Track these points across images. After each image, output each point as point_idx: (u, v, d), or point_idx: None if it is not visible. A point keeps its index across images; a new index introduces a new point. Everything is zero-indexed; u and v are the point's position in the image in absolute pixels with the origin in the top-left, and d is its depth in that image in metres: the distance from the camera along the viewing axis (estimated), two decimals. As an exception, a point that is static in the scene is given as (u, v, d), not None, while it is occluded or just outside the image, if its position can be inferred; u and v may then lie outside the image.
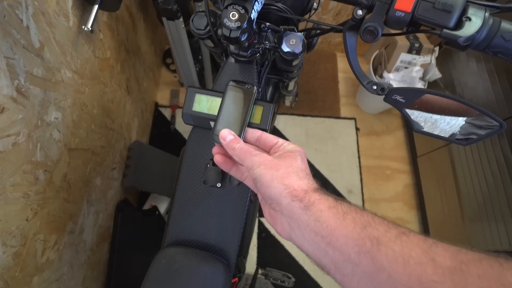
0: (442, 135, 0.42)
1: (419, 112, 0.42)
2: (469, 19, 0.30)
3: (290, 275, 1.05)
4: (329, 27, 0.44)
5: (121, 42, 0.91)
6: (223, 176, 0.45)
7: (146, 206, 1.19)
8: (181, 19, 0.89)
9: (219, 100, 0.45)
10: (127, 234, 1.00)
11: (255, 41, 0.44)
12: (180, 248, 0.44)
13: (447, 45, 0.33)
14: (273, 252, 1.25)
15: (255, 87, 0.40)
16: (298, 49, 0.43)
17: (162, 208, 1.17)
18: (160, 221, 1.13)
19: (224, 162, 0.37)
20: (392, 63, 1.26)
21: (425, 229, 1.33)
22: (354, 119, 1.51)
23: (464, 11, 0.31)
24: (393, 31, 0.38)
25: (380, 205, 1.39)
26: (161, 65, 1.44)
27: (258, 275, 1.07)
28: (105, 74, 0.82)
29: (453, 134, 0.41)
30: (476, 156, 1.10)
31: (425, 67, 1.27)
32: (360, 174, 1.41)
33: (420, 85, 1.25)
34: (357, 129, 1.49)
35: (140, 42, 1.08)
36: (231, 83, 0.40)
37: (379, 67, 1.32)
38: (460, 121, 0.41)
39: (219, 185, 0.45)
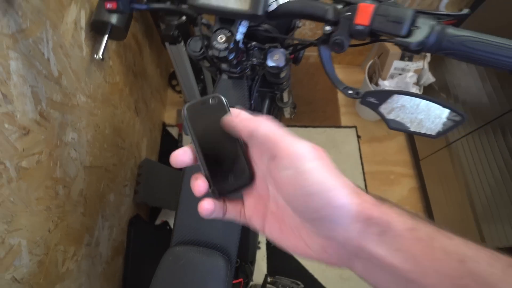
0: (425, 132, 0.47)
1: (404, 114, 0.47)
2: (418, 27, 0.36)
3: (299, 282, 1.06)
4: (307, 42, 0.50)
5: (129, 67, 0.99)
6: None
7: (158, 221, 1.24)
8: (182, 43, 0.97)
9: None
10: (140, 248, 1.05)
11: (243, 59, 0.50)
12: (185, 246, 0.49)
13: (404, 50, 0.38)
14: (282, 261, 1.27)
15: (220, 97, 0.27)
16: (281, 63, 0.49)
17: (173, 222, 1.21)
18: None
19: (214, 209, 0.26)
20: (387, 71, 1.31)
21: (433, 232, 1.33)
22: (355, 127, 1.55)
23: (414, 21, 0.36)
24: (358, 42, 0.43)
25: (386, 210, 1.40)
26: (167, 87, 1.53)
27: (268, 284, 1.09)
28: (115, 97, 0.90)
29: (428, 129, 0.46)
30: (480, 153, 1.11)
31: (419, 72, 1.32)
32: (365, 180, 1.44)
33: (414, 89, 1.29)
34: (358, 136, 1.53)
35: (147, 66, 1.17)
36: (186, 107, 0.27)
37: (374, 75, 1.38)
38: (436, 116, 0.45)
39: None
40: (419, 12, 0.37)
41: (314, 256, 0.24)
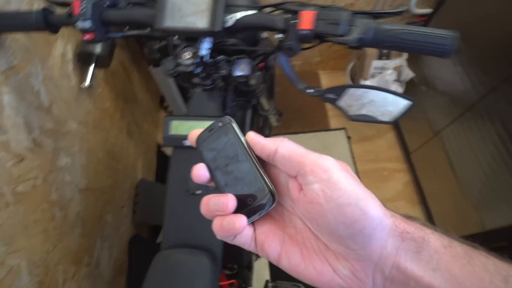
0: (381, 119, 0.51)
1: (362, 104, 0.51)
2: (356, 26, 0.40)
3: (299, 284, 1.07)
4: (269, 51, 0.55)
5: (118, 92, 1.04)
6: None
7: (159, 239, 1.26)
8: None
9: (191, 122, 0.55)
10: (142, 267, 1.07)
11: (212, 71, 0.55)
12: (173, 249, 0.52)
13: (349, 48, 0.43)
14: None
15: (227, 118, 0.27)
16: (247, 71, 0.54)
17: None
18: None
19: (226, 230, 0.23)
20: (367, 71, 1.36)
21: (431, 222, 1.34)
22: (344, 128, 1.59)
23: (351, 22, 0.40)
24: (308, 45, 0.47)
25: (384, 207, 1.42)
26: (159, 109, 1.58)
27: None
28: (106, 122, 0.94)
29: (384, 116, 0.50)
30: (468, 138, 1.14)
31: (398, 70, 1.37)
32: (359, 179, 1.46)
33: (394, 86, 1.34)
34: (348, 137, 1.57)
35: (136, 91, 1.22)
36: (201, 136, 0.27)
37: (356, 77, 1.43)
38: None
39: (199, 191, 0.54)
40: (356, 13, 0.41)
41: (342, 284, 0.21)
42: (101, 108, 0.91)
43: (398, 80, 1.38)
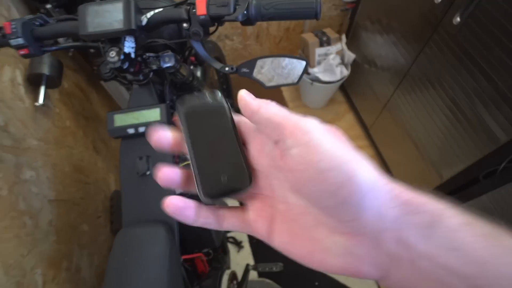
0: (288, 81, 0.59)
1: (273, 72, 0.60)
2: (239, 5, 0.49)
3: (278, 263, 1.14)
4: (182, 40, 0.64)
5: (78, 112, 1.10)
6: (149, 165, 0.61)
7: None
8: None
9: (131, 113, 0.62)
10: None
11: (142, 67, 0.62)
12: (130, 226, 0.58)
13: (242, 24, 0.51)
14: (268, 256, 1.34)
15: (216, 92, 0.27)
16: (172, 62, 0.62)
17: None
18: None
19: (182, 205, 0.23)
20: (313, 59, 1.47)
21: (397, 188, 1.43)
22: (305, 116, 1.68)
23: (237, 1, 0.49)
24: (213, 28, 0.56)
25: (351, 181, 1.51)
26: (128, 126, 1.64)
27: (252, 272, 1.16)
28: (69, 139, 1.00)
29: (291, 78, 0.58)
30: (411, 102, 1.25)
31: (340, 54, 1.49)
32: (325, 160, 1.55)
33: (339, 69, 1.45)
34: (309, 123, 1.66)
35: (97, 110, 1.29)
36: (186, 102, 0.26)
37: (304, 66, 1.53)
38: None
39: (148, 172, 0.61)
40: (238, -5, 0.50)
41: (335, 263, 0.19)
42: (61, 127, 0.97)
43: (342, 63, 1.50)
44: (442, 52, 0.99)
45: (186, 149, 0.25)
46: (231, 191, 0.23)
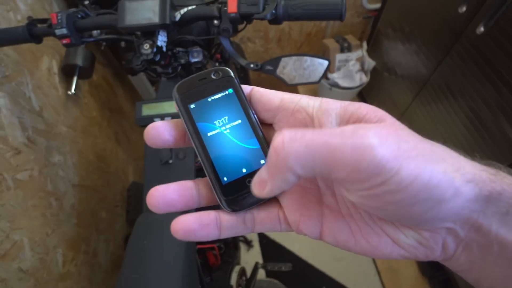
0: (310, 80, 0.61)
1: (296, 71, 0.62)
2: (269, 4, 0.51)
3: (286, 263, 1.14)
4: (212, 36, 0.66)
5: (104, 104, 1.15)
6: (171, 154, 0.64)
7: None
8: (142, 73, 1.15)
9: (158, 104, 0.66)
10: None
11: (172, 61, 0.66)
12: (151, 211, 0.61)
13: (270, 23, 0.54)
14: (277, 255, 1.34)
15: (227, 70, 0.22)
16: (200, 58, 0.65)
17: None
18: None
19: (193, 227, 0.21)
20: (333, 65, 1.49)
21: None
22: (321, 121, 1.69)
23: (266, 1, 0.52)
24: (241, 26, 0.58)
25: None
26: (148, 122, 1.69)
27: (260, 271, 1.17)
28: (94, 128, 1.05)
29: (313, 77, 0.60)
30: (430, 111, 1.25)
31: (361, 60, 1.49)
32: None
33: (358, 75, 1.45)
34: (325, 129, 1.67)
35: (122, 103, 1.34)
36: (177, 86, 0.22)
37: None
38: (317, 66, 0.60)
39: (171, 161, 0.64)
40: (267, -4, 0.53)
41: (404, 253, 0.18)
42: (89, 116, 1.02)
43: (362, 69, 1.51)
44: (464, 62, 0.99)
45: (194, 148, 0.21)
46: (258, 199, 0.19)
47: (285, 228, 0.21)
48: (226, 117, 0.21)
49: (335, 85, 1.49)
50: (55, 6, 0.93)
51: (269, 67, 0.61)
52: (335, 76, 1.48)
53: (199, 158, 0.20)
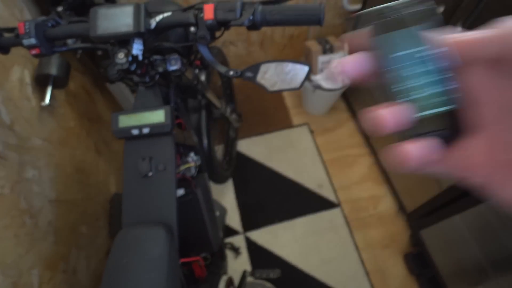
0: (291, 86, 0.60)
1: (276, 77, 0.60)
2: (246, 11, 0.50)
3: (275, 269, 1.13)
4: (189, 44, 0.65)
5: (82, 113, 1.11)
6: (151, 166, 0.61)
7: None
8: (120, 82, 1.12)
9: (135, 114, 0.63)
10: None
11: (149, 69, 0.63)
12: (131, 227, 0.58)
13: (248, 29, 0.52)
14: (266, 262, 1.33)
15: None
16: (178, 65, 0.63)
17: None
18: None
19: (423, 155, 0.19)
20: (316, 67, 1.49)
21: (398, 198, 1.43)
22: (307, 123, 1.69)
23: (242, 7, 0.50)
24: (219, 33, 0.57)
25: (352, 189, 1.51)
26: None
27: (249, 278, 1.15)
28: (72, 139, 1.01)
29: (294, 83, 0.59)
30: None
31: (343, 63, 1.50)
32: (326, 168, 1.56)
33: (341, 77, 1.46)
34: (311, 131, 1.67)
35: (102, 112, 1.29)
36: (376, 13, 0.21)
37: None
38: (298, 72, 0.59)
39: (150, 173, 0.61)
40: (245, 1, 0.52)
41: None
42: (66, 127, 0.98)
43: (345, 71, 1.51)
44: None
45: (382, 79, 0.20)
46: (440, 131, 0.19)
47: (459, 173, 0.19)
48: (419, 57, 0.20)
49: (318, 86, 1.49)
50: (27, 13, 0.89)
51: (249, 74, 0.59)
52: (318, 78, 1.48)
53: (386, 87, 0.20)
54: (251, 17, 0.50)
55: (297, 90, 1.66)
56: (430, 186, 1.23)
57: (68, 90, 1.04)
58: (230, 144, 1.54)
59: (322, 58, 1.47)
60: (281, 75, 0.58)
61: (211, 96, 0.91)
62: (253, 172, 1.54)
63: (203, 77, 0.90)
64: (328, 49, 1.46)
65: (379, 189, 1.52)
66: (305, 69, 0.56)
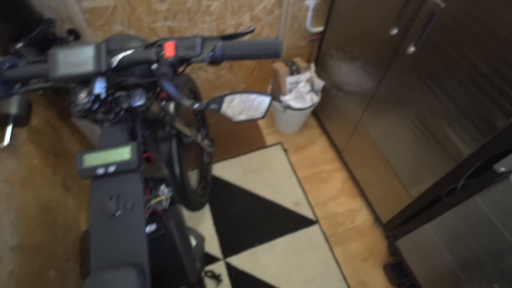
0: (255, 117, 0.61)
1: (242, 108, 0.62)
2: (206, 47, 0.52)
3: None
4: (152, 79, 0.65)
5: (47, 150, 1.07)
6: (119, 205, 0.60)
7: None
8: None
9: (101, 153, 0.62)
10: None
11: (113, 106, 0.63)
12: (100, 271, 0.56)
13: (209, 65, 0.54)
14: (247, 286, 1.30)
15: None
16: (142, 101, 0.62)
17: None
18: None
19: None
20: (284, 88, 1.53)
21: (373, 210, 1.47)
22: (280, 143, 1.72)
23: (203, 44, 0.52)
24: (181, 68, 0.58)
25: (328, 205, 1.53)
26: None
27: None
28: (37, 178, 0.96)
29: (257, 113, 0.61)
30: (380, 122, 1.31)
31: (311, 81, 1.56)
32: (301, 186, 1.58)
33: (309, 96, 1.51)
34: (285, 150, 1.70)
35: (69, 146, 1.25)
36: None
37: (275, 94, 1.59)
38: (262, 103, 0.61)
39: (118, 213, 0.59)
40: (205, 38, 0.53)
41: None
42: (29, 166, 0.94)
43: (312, 90, 1.57)
44: (403, 77, 1.07)
45: None
46: None
47: None
48: None
49: (288, 106, 1.53)
50: (-18, 52, 0.86)
51: (213, 106, 0.60)
52: (287, 98, 1.53)
53: None
54: (211, 53, 0.51)
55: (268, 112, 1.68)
56: (402, 196, 1.28)
57: (32, 127, 1.00)
58: (205, 169, 1.53)
59: (290, 79, 1.51)
60: (244, 106, 0.60)
61: (180, 125, 0.91)
62: (230, 196, 1.53)
63: (171, 108, 0.90)
64: (295, 70, 1.52)
65: (354, 202, 1.55)
66: (267, 99, 0.58)
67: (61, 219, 1.04)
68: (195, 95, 1.41)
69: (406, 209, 1.27)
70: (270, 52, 0.51)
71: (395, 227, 1.37)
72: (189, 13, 1.28)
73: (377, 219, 1.46)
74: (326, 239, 1.43)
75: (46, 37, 0.92)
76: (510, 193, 0.77)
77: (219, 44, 0.52)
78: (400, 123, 1.17)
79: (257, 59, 0.54)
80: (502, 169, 0.76)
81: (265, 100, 0.57)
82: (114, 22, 1.18)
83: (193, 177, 1.47)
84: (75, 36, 1.05)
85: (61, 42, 0.98)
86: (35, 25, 0.88)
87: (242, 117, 0.60)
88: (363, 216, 1.51)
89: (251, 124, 1.79)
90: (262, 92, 0.57)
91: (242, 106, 0.60)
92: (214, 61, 0.53)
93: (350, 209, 1.53)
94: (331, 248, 1.40)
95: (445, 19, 0.85)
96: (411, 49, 0.99)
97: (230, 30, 1.44)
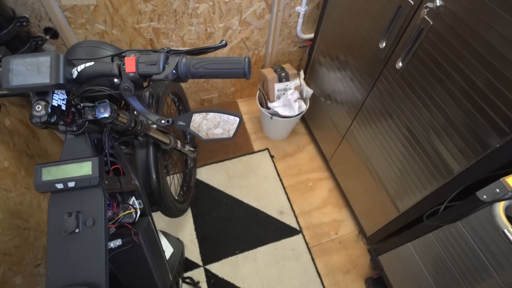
0: (224, 137, 0.59)
1: (214, 127, 0.59)
2: (169, 64, 0.49)
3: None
4: (113, 92, 0.62)
5: (21, 151, 1.03)
6: (78, 222, 0.57)
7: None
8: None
9: (61, 167, 0.59)
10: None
11: (76, 118, 0.60)
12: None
13: (174, 81, 0.51)
14: (227, 294, 1.28)
15: None
16: (107, 113, 0.59)
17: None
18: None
19: None
20: (272, 94, 1.50)
21: (357, 222, 1.45)
22: (267, 149, 1.69)
23: (166, 60, 0.49)
24: (146, 83, 0.55)
25: (312, 215, 1.51)
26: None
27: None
28: (7, 181, 0.93)
29: (226, 133, 0.58)
30: (368, 133, 1.29)
31: (299, 89, 1.53)
32: (286, 194, 1.55)
33: (297, 104, 1.49)
34: (272, 156, 1.67)
35: (47, 146, 1.22)
36: None
37: (263, 101, 1.56)
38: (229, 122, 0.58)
39: (77, 230, 0.57)
40: (169, 52, 0.50)
41: None
42: (-2, 169, 0.90)
43: (301, 97, 1.54)
44: (392, 88, 1.05)
45: None
46: None
47: None
48: None
49: (276, 114, 1.50)
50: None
51: (181, 123, 0.57)
52: (275, 105, 1.50)
53: None
54: (175, 71, 0.48)
55: (257, 116, 1.67)
56: (388, 209, 1.26)
57: (3, 127, 0.97)
58: (188, 173, 1.50)
59: (278, 86, 1.49)
60: (213, 125, 0.57)
61: (156, 134, 0.88)
62: (213, 201, 1.51)
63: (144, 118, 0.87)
64: (283, 77, 1.49)
65: (339, 213, 1.54)
66: (236, 120, 0.55)
67: (33, 223, 1.01)
68: (178, 98, 1.38)
69: (392, 223, 1.25)
70: (237, 72, 0.48)
71: (379, 241, 1.35)
72: (175, 14, 1.24)
73: (361, 231, 1.45)
74: (309, 249, 1.41)
75: (19, 36, 0.88)
76: (491, 223, 0.75)
77: (183, 60, 0.49)
78: (389, 134, 1.15)
79: (224, 78, 0.51)
80: (485, 197, 0.74)
81: (234, 121, 0.55)
82: (96, 21, 1.14)
83: (175, 181, 1.44)
84: (52, 35, 1.01)
85: (35, 41, 0.94)
86: (6, 23, 0.84)
87: (211, 136, 0.57)
88: (347, 228, 1.50)
89: (239, 128, 1.76)
90: (231, 112, 0.55)
91: (211, 125, 0.57)
92: (178, 79, 0.50)
93: (334, 219, 1.51)
94: (313, 259, 1.39)
95: (433, 36, 0.83)
96: (399, 64, 0.97)
97: (218, 33, 1.40)
